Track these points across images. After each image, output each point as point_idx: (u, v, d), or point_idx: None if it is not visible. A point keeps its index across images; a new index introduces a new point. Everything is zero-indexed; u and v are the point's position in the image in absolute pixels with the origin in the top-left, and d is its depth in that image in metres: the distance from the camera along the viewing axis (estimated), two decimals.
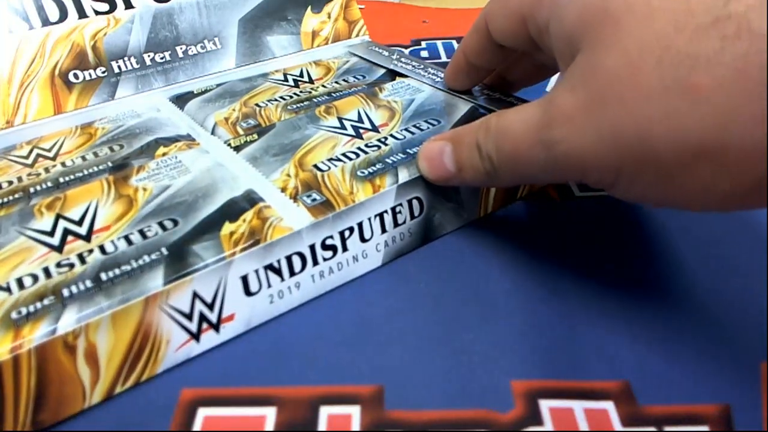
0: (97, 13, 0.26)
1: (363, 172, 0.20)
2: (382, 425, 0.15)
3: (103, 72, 0.26)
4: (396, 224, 0.20)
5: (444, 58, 0.38)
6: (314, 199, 0.19)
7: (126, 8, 0.26)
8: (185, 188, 0.20)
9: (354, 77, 0.28)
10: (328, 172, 0.20)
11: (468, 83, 0.25)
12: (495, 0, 0.21)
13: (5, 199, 0.20)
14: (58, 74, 0.25)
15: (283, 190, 0.20)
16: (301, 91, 0.27)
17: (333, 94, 0.26)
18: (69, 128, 0.24)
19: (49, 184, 0.20)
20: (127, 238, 0.17)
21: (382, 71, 0.29)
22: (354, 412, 0.15)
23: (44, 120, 0.24)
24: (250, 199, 0.19)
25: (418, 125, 0.23)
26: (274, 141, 0.22)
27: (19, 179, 0.21)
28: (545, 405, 0.15)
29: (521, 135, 0.17)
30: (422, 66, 0.28)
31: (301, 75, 0.28)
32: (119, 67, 0.26)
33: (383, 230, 0.20)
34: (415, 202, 0.21)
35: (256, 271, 0.17)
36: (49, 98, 0.24)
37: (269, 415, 0.15)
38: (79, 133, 0.24)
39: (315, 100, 0.26)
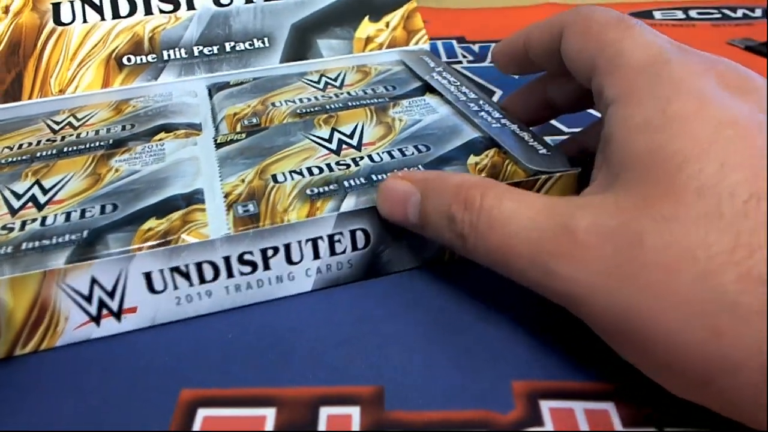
0: (161, 11, 0.29)
1: (312, 191, 0.19)
2: (382, 426, 0.15)
3: (153, 58, 0.28)
4: (333, 252, 0.19)
5: (444, 58, 0.37)
6: (247, 210, 0.19)
7: (188, 9, 0.29)
8: (146, 177, 0.20)
9: (384, 87, 0.27)
10: (281, 184, 0.20)
11: (518, 72, 0.22)
12: (576, 24, 0.17)
13: (11, 159, 0.22)
14: (114, 57, 0.27)
15: (227, 195, 0.19)
16: (323, 95, 0.26)
17: (349, 103, 0.25)
18: (108, 102, 0.27)
19: (54, 151, 0.23)
20: (68, 214, 0.19)
21: (418, 84, 0.27)
22: (354, 412, 0.16)
23: (91, 92, 0.27)
24: (191, 200, 0.19)
25: (404, 149, 0.21)
26: (256, 143, 0.22)
27: (38, 143, 0.23)
28: (546, 406, 0.15)
29: (515, 240, 0.15)
30: (458, 82, 0.26)
31: (335, 79, 0.28)
32: (169, 55, 0.28)
33: (316, 256, 0.19)
34: (359, 234, 0.19)
35: (161, 271, 0.18)
36: (100, 75, 0.27)
37: (269, 415, 0.16)
38: (113, 107, 0.26)
39: (328, 106, 0.25)
